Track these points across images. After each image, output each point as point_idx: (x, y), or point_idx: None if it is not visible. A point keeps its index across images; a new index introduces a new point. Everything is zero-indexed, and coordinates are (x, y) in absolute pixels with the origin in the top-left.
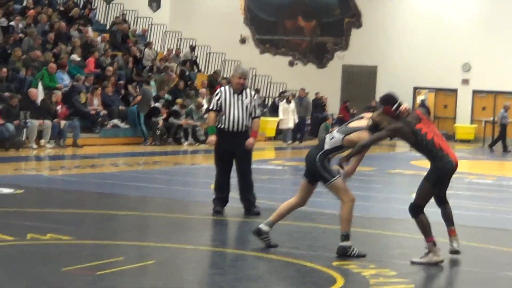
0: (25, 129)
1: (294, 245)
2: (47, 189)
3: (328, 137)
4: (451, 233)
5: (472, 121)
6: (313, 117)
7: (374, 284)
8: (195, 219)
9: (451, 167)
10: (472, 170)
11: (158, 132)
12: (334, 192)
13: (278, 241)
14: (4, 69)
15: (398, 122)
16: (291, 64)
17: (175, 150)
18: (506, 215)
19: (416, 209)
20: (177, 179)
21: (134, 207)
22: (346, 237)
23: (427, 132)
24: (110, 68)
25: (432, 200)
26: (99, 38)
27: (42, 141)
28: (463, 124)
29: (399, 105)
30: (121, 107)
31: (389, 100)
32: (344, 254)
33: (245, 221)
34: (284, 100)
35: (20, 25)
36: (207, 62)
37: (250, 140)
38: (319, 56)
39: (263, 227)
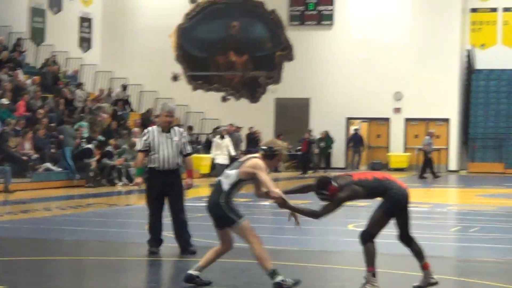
0: None
1: (231, 283)
2: None
3: (223, 177)
4: (426, 266)
5: (405, 150)
6: (248, 152)
7: None
8: (131, 261)
9: (404, 194)
10: None
11: (91, 174)
12: (240, 234)
13: (215, 278)
14: None
15: (341, 192)
16: (224, 99)
17: (109, 192)
18: (440, 242)
19: (366, 237)
20: (112, 221)
21: (69, 252)
22: (273, 273)
23: (365, 176)
24: (41, 111)
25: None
26: (29, 81)
27: None
28: (397, 153)
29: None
30: (53, 150)
31: (326, 180)
32: None
33: (181, 260)
34: (218, 136)
35: None
36: (139, 100)
37: (188, 180)
38: (252, 91)
39: (193, 272)
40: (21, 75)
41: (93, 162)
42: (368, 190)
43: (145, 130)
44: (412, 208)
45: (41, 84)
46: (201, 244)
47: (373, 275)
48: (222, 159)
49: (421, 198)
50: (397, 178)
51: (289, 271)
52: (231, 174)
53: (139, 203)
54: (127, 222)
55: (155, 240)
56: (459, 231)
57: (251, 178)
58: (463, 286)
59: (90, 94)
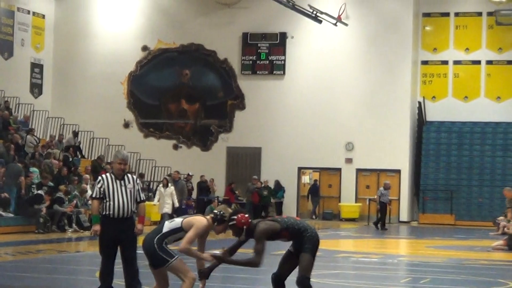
0: None
1: None
2: None
3: (168, 221)
4: None
5: (356, 200)
6: (198, 200)
7: None
8: None
9: (318, 236)
10: (358, 249)
11: (41, 220)
12: (174, 273)
13: None
14: None
15: (257, 228)
16: (175, 147)
17: (59, 238)
18: None
19: (306, 282)
20: (61, 267)
21: None
22: None
23: (279, 217)
24: None
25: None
26: None
27: None
28: (348, 203)
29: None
30: (4, 194)
31: (239, 211)
32: None
33: None
34: (161, 185)
35: None
36: (90, 147)
37: (139, 226)
38: (203, 139)
39: None
40: None
41: (43, 208)
42: (284, 226)
43: (99, 177)
44: (363, 259)
45: None
46: None
47: None
48: (167, 209)
49: (372, 249)
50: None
51: None
52: (176, 220)
53: (89, 250)
54: (77, 269)
55: (106, 287)
56: (409, 282)
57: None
58: None
59: (41, 140)
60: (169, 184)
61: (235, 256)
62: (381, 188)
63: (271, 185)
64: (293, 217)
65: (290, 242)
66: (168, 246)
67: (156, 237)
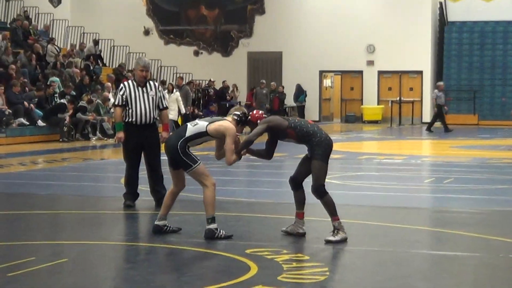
0: None
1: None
2: None
3: (190, 124)
4: (300, 216)
5: (378, 102)
6: (220, 106)
7: (288, 270)
8: (106, 214)
9: (331, 141)
10: (381, 151)
11: (65, 129)
12: (196, 178)
13: (191, 231)
14: None
15: (266, 118)
16: (196, 53)
17: (84, 146)
18: (415, 194)
19: (320, 190)
20: (87, 175)
21: (44, 206)
22: (212, 220)
23: (294, 118)
24: (13, 66)
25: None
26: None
27: None
28: (370, 105)
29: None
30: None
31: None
32: (211, 237)
33: (156, 214)
34: (165, 90)
35: None
36: (111, 55)
37: (164, 133)
38: (224, 45)
39: (159, 222)
40: None
41: (67, 117)
42: (291, 126)
43: (121, 85)
44: (386, 160)
45: (11, 39)
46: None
47: (340, 222)
48: (172, 115)
49: (395, 150)
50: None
51: (265, 223)
52: (200, 124)
53: (113, 157)
54: (102, 176)
55: (131, 193)
56: (433, 182)
57: (218, 137)
58: (438, 237)
59: (62, 49)
60: (174, 90)
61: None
62: (436, 90)
63: (293, 89)
64: (306, 121)
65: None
66: (191, 149)
67: (179, 141)
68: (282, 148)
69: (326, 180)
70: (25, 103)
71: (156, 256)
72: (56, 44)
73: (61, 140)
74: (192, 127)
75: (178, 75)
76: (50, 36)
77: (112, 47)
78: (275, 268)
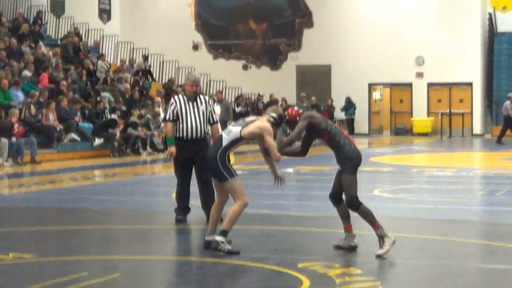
0: None
1: (258, 249)
2: (7, 208)
3: (224, 133)
4: (348, 229)
5: (428, 114)
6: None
7: (340, 284)
8: (158, 229)
9: (359, 155)
10: (432, 163)
11: (116, 144)
12: (230, 192)
13: (242, 245)
14: None
15: (307, 114)
16: (245, 67)
17: (134, 161)
18: (467, 206)
19: (354, 202)
20: (138, 189)
21: (96, 221)
22: (223, 232)
23: (333, 124)
24: (64, 83)
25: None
26: (51, 53)
27: (0, 160)
28: (420, 118)
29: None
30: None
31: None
32: (216, 248)
33: (207, 228)
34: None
35: None
36: (161, 70)
37: None
38: (273, 58)
39: (209, 238)
40: (42, 47)
41: (118, 132)
42: (327, 128)
43: (172, 100)
44: (437, 173)
45: (62, 56)
46: (226, 212)
47: (382, 228)
48: None
49: (446, 163)
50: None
51: (317, 237)
52: (234, 130)
53: (164, 172)
54: (153, 191)
55: (183, 208)
56: (485, 195)
57: (254, 138)
58: (491, 250)
59: (112, 65)
60: (215, 104)
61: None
62: (508, 102)
63: (342, 102)
64: (341, 130)
65: None
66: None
67: (218, 152)
68: (333, 162)
69: (376, 193)
70: (76, 118)
71: (207, 271)
72: (106, 59)
73: (112, 155)
74: (227, 136)
75: (217, 90)
76: (100, 52)
77: (162, 62)
78: (328, 283)
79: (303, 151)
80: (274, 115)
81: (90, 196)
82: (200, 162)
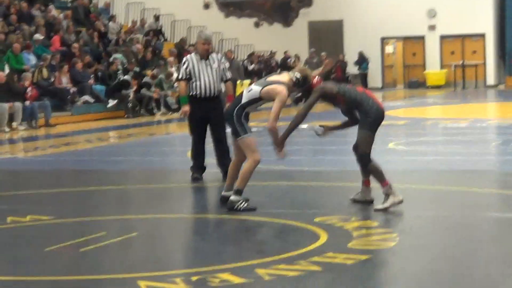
0: None
1: (274, 205)
2: (24, 171)
3: (246, 90)
4: (367, 184)
5: (442, 67)
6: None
7: (357, 237)
8: (174, 188)
9: (380, 109)
10: (446, 115)
11: (129, 105)
12: (243, 148)
13: (259, 202)
14: None
15: (317, 87)
16: (256, 25)
17: (149, 121)
18: (482, 157)
19: (365, 159)
20: (153, 149)
21: (113, 181)
22: (238, 192)
23: (345, 85)
24: (76, 45)
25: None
26: (61, 15)
27: (14, 124)
28: (433, 70)
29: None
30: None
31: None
32: (231, 208)
33: (224, 186)
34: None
35: None
36: (172, 30)
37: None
38: (284, 15)
39: (226, 193)
40: (53, 10)
41: (131, 93)
42: (341, 92)
43: (184, 59)
44: (452, 125)
45: (73, 18)
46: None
47: (390, 187)
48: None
49: (460, 114)
50: (373, 94)
51: (332, 191)
52: (254, 89)
53: (179, 131)
54: (168, 150)
55: (198, 166)
56: (500, 145)
57: (271, 100)
58: (507, 199)
59: (123, 26)
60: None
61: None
62: None
63: (355, 57)
64: (355, 88)
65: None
66: (248, 117)
67: (236, 108)
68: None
69: (391, 146)
70: (90, 81)
71: (225, 228)
72: (117, 21)
73: (126, 116)
74: (247, 93)
75: (228, 50)
76: (111, 13)
77: (173, 22)
78: (345, 236)
79: (352, 122)
80: (298, 75)
81: (106, 158)
82: (215, 120)
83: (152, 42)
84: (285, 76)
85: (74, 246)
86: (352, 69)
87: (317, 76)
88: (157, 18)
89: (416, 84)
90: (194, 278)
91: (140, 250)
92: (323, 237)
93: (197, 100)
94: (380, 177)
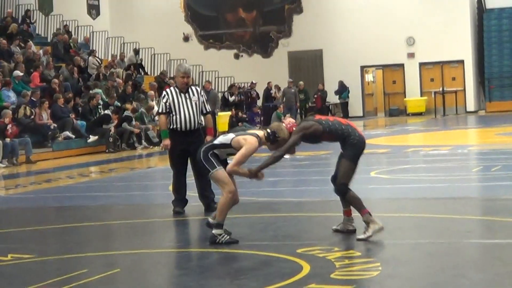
0: None
1: (257, 237)
2: (5, 209)
3: (223, 135)
4: (348, 214)
5: (422, 94)
6: (264, 107)
7: (340, 267)
8: (156, 222)
9: (363, 141)
10: (427, 142)
11: (111, 139)
12: (215, 183)
13: (241, 234)
14: None
15: (300, 124)
16: (236, 56)
17: (130, 155)
18: (463, 183)
19: (343, 189)
20: (135, 184)
21: (95, 217)
22: (218, 225)
23: (327, 118)
24: (56, 81)
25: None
26: (41, 52)
27: None
28: (413, 98)
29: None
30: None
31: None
32: (213, 242)
33: (206, 219)
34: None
35: None
36: (152, 64)
37: (208, 138)
38: (264, 46)
39: (211, 220)
40: (32, 47)
41: (112, 127)
42: (326, 129)
43: (164, 92)
44: (433, 151)
45: (53, 54)
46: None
47: (370, 214)
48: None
49: (441, 141)
50: (355, 125)
51: (315, 221)
52: (229, 136)
53: (160, 165)
54: (150, 185)
55: (180, 200)
56: (481, 171)
57: (238, 149)
58: (489, 225)
59: (103, 61)
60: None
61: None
62: None
63: (335, 86)
64: (339, 120)
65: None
66: (216, 158)
67: (204, 147)
68: (328, 146)
69: (373, 174)
70: (72, 115)
71: (208, 261)
72: (97, 55)
73: (107, 151)
74: (222, 137)
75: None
76: (91, 48)
77: (153, 55)
78: (328, 266)
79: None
80: (269, 131)
81: (87, 193)
82: (195, 153)
83: (133, 76)
84: (261, 132)
85: (56, 284)
86: (333, 98)
87: (289, 122)
88: (137, 51)
89: (397, 111)
90: None
91: (123, 286)
92: (306, 268)
93: (177, 134)
94: (359, 205)
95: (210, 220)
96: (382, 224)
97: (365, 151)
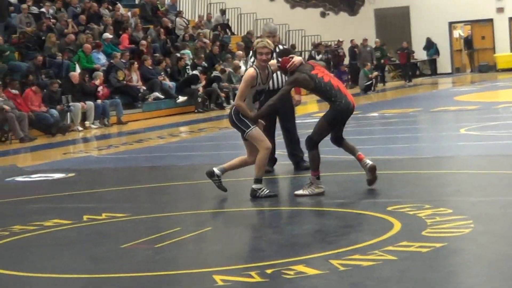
0: (68, 113)
1: (346, 195)
2: (98, 169)
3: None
4: (360, 157)
5: (511, 49)
6: (351, 65)
7: (431, 224)
8: (246, 181)
9: (349, 108)
10: None
11: (199, 100)
12: (252, 141)
13: (330, 192)
14: (40, 57)
15: (294, 74)
16: (323, 15)
17: (219, 115)
18: None
19: (311, 144)
20: (224, 143)
21: (186, 177)
22: (256, 181)
23: (323, 76)
24: (144, 42)
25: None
26: (129, 14)
27: (87, 123)
28: (503, 53)
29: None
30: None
31: (286, 53)
32: (253, 195)
33: (296, 177)
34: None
35: (51, 11)
36: (239, 24)
37: (296, 97)
38: (350, 3)
39: (216, 170)
40: (121, 9)
41: (200, 87)
42: (316, 87)
43: (251, 52)
44: None
45: (141, 16)
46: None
47: (318, 178)
48: None
49: None
50: (347, 91)
51: (404, 179)
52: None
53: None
54: (239, 144)
55: (269, 159)
56: None
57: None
58: None
59: (190, 22)
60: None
61: None
62: None
63: (423, 43)
64: (332, 83)
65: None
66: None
67: (232, 109)
68: (417, 103)
69: (463, 132)
70: (159, 77)
71: (299, 219)
72: (184, 16)
73: (196, 111)
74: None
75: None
76: (178, 9)
77: (239, 15)
78: (419, 224)
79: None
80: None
81: (178, 153)
82: (283, 112)
83: (220, 36)
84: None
85: (149, 242)
86: (420, 54)
87: (296, 59)
88: (223, 12)
89: (486, 67)
90: (269, 271)
91: (214, 244)
92: (397, 226)
93: (266, 93)
94: (314, 166)
95: (216, 170)
96: (323, 189)
97: (455, 107)
